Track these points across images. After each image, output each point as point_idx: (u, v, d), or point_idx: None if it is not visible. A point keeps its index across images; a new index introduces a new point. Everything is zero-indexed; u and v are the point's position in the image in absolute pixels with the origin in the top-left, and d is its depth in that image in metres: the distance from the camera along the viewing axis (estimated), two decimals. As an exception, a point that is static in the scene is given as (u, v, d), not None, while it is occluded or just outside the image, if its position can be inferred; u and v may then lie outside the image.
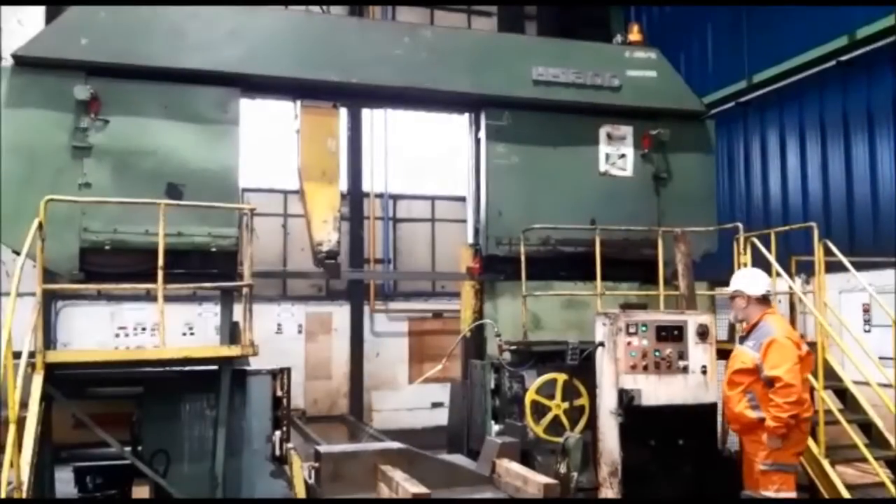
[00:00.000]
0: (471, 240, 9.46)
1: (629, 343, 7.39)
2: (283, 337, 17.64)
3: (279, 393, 7.61)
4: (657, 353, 7.42)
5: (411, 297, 18.77)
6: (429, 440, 14.95)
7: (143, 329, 16.92)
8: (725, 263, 9.64)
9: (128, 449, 7.06)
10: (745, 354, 6.66)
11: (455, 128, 20.15)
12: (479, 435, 8.43)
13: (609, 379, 7.48)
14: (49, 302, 15.12)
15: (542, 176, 9.10)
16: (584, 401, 8.19)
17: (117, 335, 16.83)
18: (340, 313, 18.11)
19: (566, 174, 9.17)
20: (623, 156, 9.41)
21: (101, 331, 16.52)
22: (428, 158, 19.39)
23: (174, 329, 16.59)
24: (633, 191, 9.42)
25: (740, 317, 6.98)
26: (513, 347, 8.36)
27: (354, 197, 17.96)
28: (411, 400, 18.06)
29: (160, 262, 6.40)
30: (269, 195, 18.02)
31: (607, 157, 9.35)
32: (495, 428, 8.32)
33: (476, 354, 9.02)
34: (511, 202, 8.97)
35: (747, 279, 6.95)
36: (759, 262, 7.85)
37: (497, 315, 8.86)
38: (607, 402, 7.49)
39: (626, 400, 7.27)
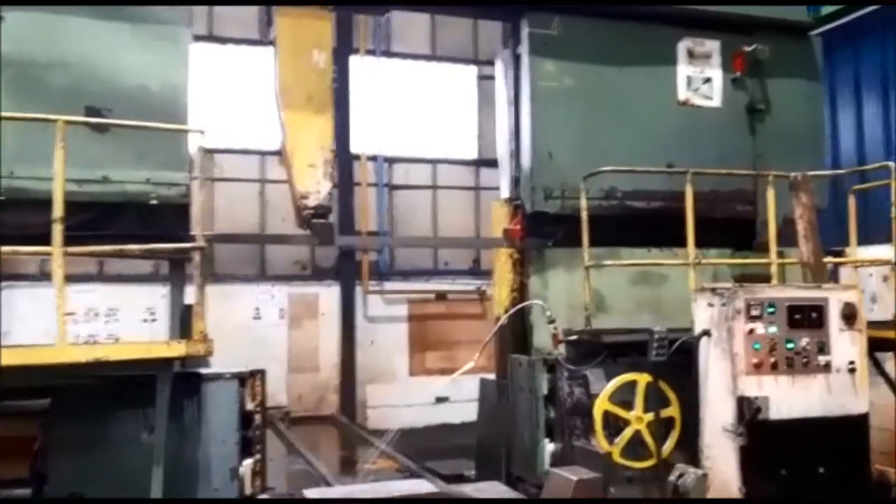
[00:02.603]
0: (506, 193, 7.34)
1: (751, 331, 5.42)
2: (261, 323, 15.87)
3: (250, 405, 5.51)
4: (790, 346, 5.45)
5: (410, 277, 16.92)
6: (432, 442, 13.13)
7: (96, 315, 14.88)
8: (838, 224, 7.63)
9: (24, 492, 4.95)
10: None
11: (459, 79, 18.63)
12: (526, 456, 6.38)
13: (721, 382, 5.48)
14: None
15: (603, 105, 7.07)
16: (673, 411, 6.12)
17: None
18: (329, 295, 16.26)
19: (635, 103, 7.15)
20: (709, 80, 7.35)
21: (47, 316, 14.35)
22: (428, 115, 17.48)
23: (132, 315, 14.69)
24: (722, 126, 7.41)
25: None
26: (573, 338, 6.28)
27: (343, 160, 15.87)
28: (411, 395, 16.51)
29: (56, 213, 4.25)
30: (244, 157, 16.14)
31: (689, 81, 7.29)
32: (550, 448, 6.25)
33: (516, 347, 6.93)
34: (564, 140, 6.87)
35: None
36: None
37: (547, 293, 6.77)
38: (718, 414, 5.50)
39: (750, 412, 5.28)
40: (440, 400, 16.39)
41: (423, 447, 11.37)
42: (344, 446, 12.78)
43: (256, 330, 15.37)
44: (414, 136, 17.30)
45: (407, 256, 17.08)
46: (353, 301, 16.25)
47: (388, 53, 17.10)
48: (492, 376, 7.65)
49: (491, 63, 17.92)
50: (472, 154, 17.79)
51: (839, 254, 7.81)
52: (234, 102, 15.60)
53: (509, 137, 7.23)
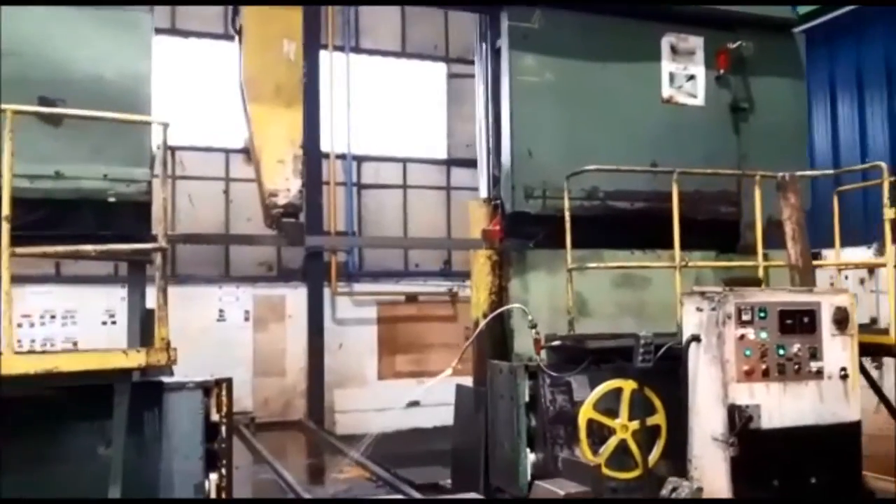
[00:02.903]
0: (484, 192, 7.08)
1: (742, 336, 5.21)
2: (225, 325, 15.38)
3: (215, 416, 5.18)
4: (781, 352, 5.27)
5: (380, 278, 16.57)
6: (404, 447, 12.79)
7: (53, 317, 14.36)
8: (822, 225, 7.52)
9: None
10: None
11: (429, 76, 18.33)
12: (506, 466, 6.12)
13: (711, 390, 5.29)
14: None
15: (585, 102, 6.84)
16: (659, 419, 5.93)
17: (20, 325, 14.17)
18: (295, 297, 15.83)
19: (618, 100, 6.92)
20: (692, 77, 7.15)
21: (-2, 321, 13.84)
22: (398, 113, 17.18)
23: (91, 317, 14.21)
24: (706, 125, 7.24)
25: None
26: (556, 343, 6.05)
27: (311, 157, 15.46)
28: (381, 399, 15.80)
29: (4, 211, 3.91)
30: (208, 155, 15.71)
31: (672, 77, 7.08)
32: (531, 458, 5.99)
33: (495, 352, 6.67)
34: (545, 138, 6.63)
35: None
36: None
37: (528, 297, 6.52)
38: (707, 423, 5.31)
39: (741, 421, 5.07)
40: (411, 404, 16.12)
41: (393, 453, 11.05)
42: (312, 453, 12.44)
43: (220, 333, 14.90)
44: (384, 134, 16.97)
45: (376, 257, 16.73)
46: (321, 303, 15.83)
47: (358, 49, 16.78)
48: (467, 381, 7.38)
49: (461, 61, 17.76)
50: (442, 153, 17.53)
51: (817, 255, 7.71)
52: (198, 98, 15.16)
53: (488, 134, 6.97)
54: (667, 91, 7.05)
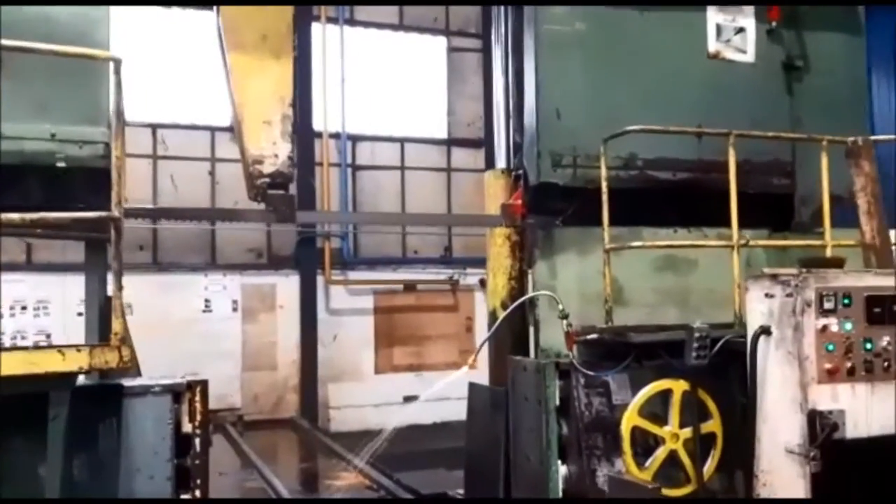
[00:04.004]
0: (502, 162, 6.20)
1: (824, 328, 4.33)
2: (212, 317, 14.74)
3: (187, 426, 4.33)
4: (868, 346, 4.43)
5: (377, 266, 15.87)
6: (401, 446, 11.99)
7: (24, 308, 13.53)
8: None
9: None
10: None
11: (428, 51, 17.38)
12: (533, 480, 5.28)
13: (785, 392, 4.46)
14: None
15: (621, 55, 5.94)
16: (714, 425, 5.09)
17: (-13, 317, 13.36)
18: (287, 285, 15.19)
19: (658, 54, 6.04)
20: (741, 30, 6.27)
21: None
22: (395, 90, 16.36)
23: (69, 306, 13.33)
24: (756, 84, 6.33)
25: None
26: (593, 336, 5.19)
27: (303, 137, 14.58)
28: (378, 394, 15.42)
29: None
30: (191, 133, 14.95)
31: (719, 30, 6.21)
32: (562, 471, 5.15)
33: (515, 347, 5.81)
34: (576, 96, 5.76)
35: None
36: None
37: (555, 282, 5.64)
38: (780, 432, 4.47)
39: (824, 430, 4.23)
40: (408, 399, 15.44)
41: (391, 453, 10.26)
42: (306, 456, 11.58)
43: (206, 324, 14.34)
44: (380, 112, 16.17)
45: (373, 244, 16.00)
46: (314, 292, 15.21)
47: (352, 21, 15.91)
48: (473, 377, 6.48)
49: (462, 34, 16.91)
50: (442, 133, 16.73)
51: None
52: (181, 71, 14.28)
53: (507, 94, 6.08)
54: (713, 45, 6.18)
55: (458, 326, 16.15)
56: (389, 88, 16.21)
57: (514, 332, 5.83)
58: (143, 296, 13.56)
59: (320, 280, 15.28)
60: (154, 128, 14.32)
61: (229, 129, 14.70)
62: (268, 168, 5.10)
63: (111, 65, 3.67)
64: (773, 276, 4.56)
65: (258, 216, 5.71)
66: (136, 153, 14.06)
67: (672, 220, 5.99)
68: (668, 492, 4.92)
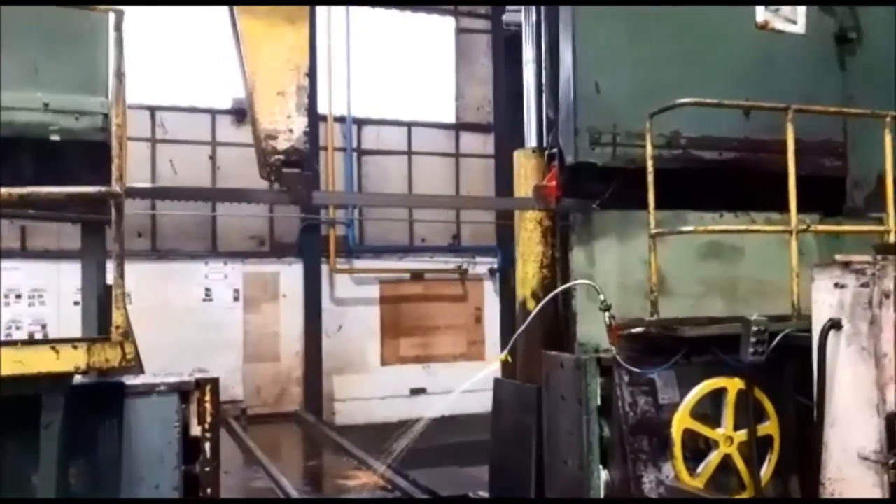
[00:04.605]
0: (533, 141, 5.76)
1: (904, 322, 3.92)
2: (213, 306, 14.26)
3: (196, 429, 3.93)
4: (952, 341, 3.99)
5: (383, 254, 15.39)
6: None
7: (18, 297, 13.15)
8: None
9: None
10: None
11: (436, 31, 16.87)
12: (571, 487, 4.88)
13: (858, 393, 4.07)
14: None
15: (665, 24, 5.49)
16: (771, 427, 4.69)
17: (-22, 306, 12.98)
18: (290, 274, 14.67)
19: (704, 23, 5.59)
20: (792, -2, 5.83)
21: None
22: (402, 72, 15.82)
23: (62, 297, 12.89)
24: (806, 57, 5.90)
25: None
26: (638, 330, 4.78)
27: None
28: (384, 386, 15.01)
29: None
30: (192, 116, 14.44)
31: (768, -2, 5.75)
32: (604, 477, 4.74)
33: (548, 341, 5.39)
34: (617, 68, 5.32)
35: None
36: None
37: (593, 270, 5.23)
38: (853, 436, 4.08)
39: (906, 436, 3.82)
40: (415, 392, 15.10)
41: (397, 448, 9.90)
42: (313, 453, 11.14)
43: (207, 314, 13.89)
44: (386, 95, 15.65)
45: (379, 231, 15.53)
46: (319, 281, 14.71)
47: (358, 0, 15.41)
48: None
49: (472, 15, 16.43)
50: (451, 117, 16.27)
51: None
52: (181, 52, 13.80)
53: (538, 67, 5.64)
54: (761, 15, 5.73)
55: (466, 317, 15.76)
56: (396, 70, 15.71)
57: (544, 324, 5.41)
58: (142, 284, 13.17)
59: (325, 268, 14.81)
60: (152, 110, 13.84)
61: (231, 112, 14.35)
62: (282, 144, 4.66)
63: (111, 20, 3.21)
64: (845, 265, 4.15)
65: (269, 196, 5.29)
66: (133, 136, 13.63)
67: (714, 203, 5.58)
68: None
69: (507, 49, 15.54)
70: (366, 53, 15.41)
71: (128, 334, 3.01)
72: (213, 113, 14.36)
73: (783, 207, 5.54)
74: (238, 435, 10.68)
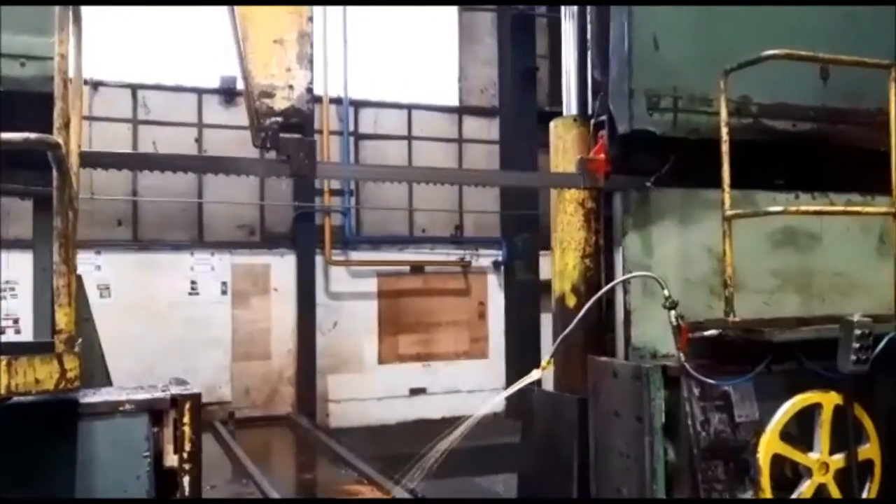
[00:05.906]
0: (574, 108, 4.98)
1: None
2: (199, 300, 13.52)
3: (172, 458, 3.14)
4: None
5: (381, 245, 14.69)
6: (408, 444, 10.87)
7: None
8: None
9: None
10: None
11: (439, 9, 16.04)
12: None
13: None
14: None
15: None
16: (872, 451, 3.92)
17: (-56, 300, 12.27)
18: (282, 266, 13.96)
19: (779, -28, 4.80)
20: (877, -58, 5.06)
21: None
22: (402, 51, 15.05)
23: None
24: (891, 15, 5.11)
25: None
26: (712, 333, 4.01)
27: (301, 101, 13.39)
28: (382, 386, 14.47)
29: None
30: (177, 96, 13.62)
31: (850, -60, 4.99)
32: (672, 511, 3.98)
33: (591, 344, 4.61)
34: (677, 21, 4.54)
35: None
36: None
37: (650, 261, 4.45)
38: None
39: None
40: (415, 392, 14.47)
41: (401, 453, 9.15)
42: (307, 463, 10.34)
43: (192, 308, 13.22)
44: (385, 76, 14.88)
45: (377, 221, 14.82)
46: (313, 274, 14.01)
47: (355, -26, 14.64)
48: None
49: (476, -9, 15.68)
50: (453, 100, 15.56)
51: None
52: (165, 27, 13.00)
53: (581, 20, 4.85)
54: (844, -36, 4.99)
55: (469, 312, 15.06)
56: (395, 50, 14.96)
57: (591, 325, 4.63)
58: (122, 277, 12.50)
59: (319, 260, 14.10)
60: (134, 88, 13.04)
61: (219, 92, 13.58)
62: (280, 103, 3.86)
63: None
64: None
65: (266, 168, 4.46)
66: (114, 117, 12.87)
67: (780, 183, 4.84)
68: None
69: (513, 28, 14.82)
70: (363, 31, 14.66)
71: (72, 341, 2.21)
72: (199, 92, 13.56)
73: (861, 188, 4.86)
74: (225, 441, 9.89)
